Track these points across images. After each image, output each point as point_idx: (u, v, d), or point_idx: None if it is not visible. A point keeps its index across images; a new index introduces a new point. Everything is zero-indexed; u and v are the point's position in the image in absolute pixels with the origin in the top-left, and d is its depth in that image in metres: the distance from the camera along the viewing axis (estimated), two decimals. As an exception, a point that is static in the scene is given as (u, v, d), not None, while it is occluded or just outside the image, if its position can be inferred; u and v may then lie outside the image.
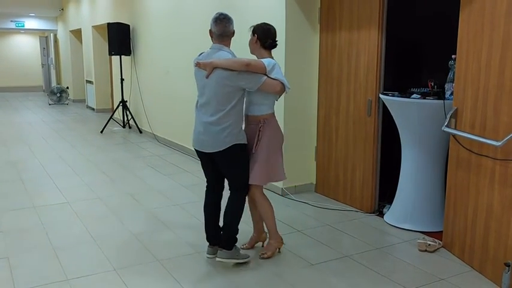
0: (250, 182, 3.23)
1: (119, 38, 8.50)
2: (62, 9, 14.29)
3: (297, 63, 4.67)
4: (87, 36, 11.82)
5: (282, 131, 3.39)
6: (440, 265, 3.28)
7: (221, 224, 3.30)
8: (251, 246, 3.52)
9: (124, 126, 9.14)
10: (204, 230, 3.37)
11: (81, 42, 12.85)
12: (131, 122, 8.98)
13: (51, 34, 15.98)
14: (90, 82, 12.14)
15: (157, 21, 7.61)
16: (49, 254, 3.42)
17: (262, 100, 3.17)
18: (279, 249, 3.47)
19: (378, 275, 3.14)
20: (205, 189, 3.39)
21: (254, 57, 3.19)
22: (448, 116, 3.34)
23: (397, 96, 3.77)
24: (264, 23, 3.23)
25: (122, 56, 8.77)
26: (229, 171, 3.19)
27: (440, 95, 3.59)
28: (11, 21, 15.51)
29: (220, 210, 3.36)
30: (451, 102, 3.42)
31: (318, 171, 4.91)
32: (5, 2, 13.18)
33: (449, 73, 3.58)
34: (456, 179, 3.39)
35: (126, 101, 8.92)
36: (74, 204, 4.54)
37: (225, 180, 3.31)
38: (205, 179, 3.37)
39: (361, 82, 4.22)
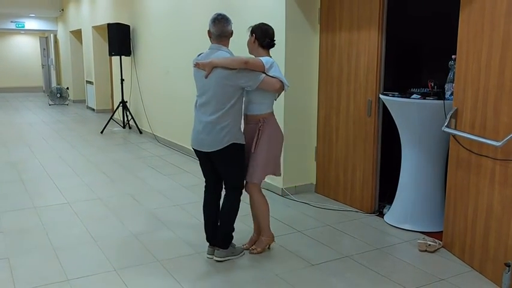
0: (249, 180, 3.26)
1: (119, 39, 8.50)
2: (62, 9, 14.29)
3: (297, 64, 4.67)
4: (87, 36, 11.83)
5: (282, 131, 3.41)
6: (440, 265, 3.28)
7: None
8: (251, 246, 3.52)
9: (124, 127, 9.14)
10: (204, 230, 3.37)
11: (81, 42, 12.86)
12: (131, 122, 8.98)
13: (51, 35, 15.98)
14: (90, 82, 12.14)
15: (157, 21, 7.61)
16: (49, 254, 3.42)
17: (261, 99, 3.18)
18: (269, 245, 3.50)
19: (378, 275, 3.14)
20: (204, 189, 3.40)
21: (252, 57, 3.20)
22: (448, 116, 3.34)
23: (397, 97, 3.78)
24: (262, 23, 3.26)
25: (122, 57, 8.77)
26: (227, 170, 3.20)
27: (440, 95, 3.59)
28: (11, 21, 15.51)
29: (219, 210, 3.37)
30: (451, 103, 3.42)
31: (318, 171, 4.91)
32: (5, 2, 13.19)
33: (449, 73, 3.58)
34: (456, 179, 3.39)
35: (126, 102, 8.92)
36: (74, 205, 4.54)
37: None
38: (204, 179, 3.38)
39: (361, 82, 4.22)
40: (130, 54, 8.75)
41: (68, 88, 13.73)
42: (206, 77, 3.04)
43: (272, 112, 3.27)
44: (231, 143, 3.08)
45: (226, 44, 3.16)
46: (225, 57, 3.05)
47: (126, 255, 3.41)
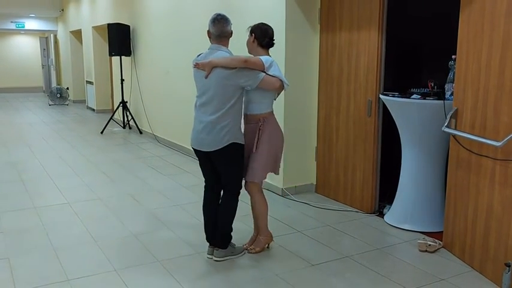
0: (249, 180, 3.26)
1: (119, 39, 8.50)
2: (62, 10, 14.30)
3: (297, 64, 4.67)
4: (87, 36, 11.83)
5: (282, 131, 3.41)
6: (440, 265, 3.28)
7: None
8: (250, 246, 3.52)
9: (124, 127, 9.14)
10: (203, 230, 3.38)
11: (81, 42, 12.86)
12: (131, 122, 8.98)
13: (51, 35, 15.98)
14: (90, 83, 12.14)
15: (157, 21, 7.61)
16: (49, 254, 3.42)
17: (260, 99, 3.19)
18: (269, 245, 3.50)
19: (378, 275, 3.14)
20: (203, 189, 3.40)
21: (252, 56, 3.21)
22: (448, 117, 3.34)
23: (397, 97, 3.78)
24: (262, 23, 3.28)
25: (122, 57, 8.77)
26: (226, 170, 3.21)
27: (440, 95, 3.59)
28: (11, 22, 15.51)
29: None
30: (451, 103, 3.42)
31: (318, 171, 4.91)
32: (5, 2, 13.19)
33: (449, 73, 3.58)
34: (456, 179, 3.39)
35: (126, 102, 8.92)
36: (74, 205, 4.54)
37: None
38: (204, 179, 3.38)
39: (361, 82, 4.22)
40: (131, 54, 8.75)
41: (68, 88, 13.73)
42: (206, 77, 3.05)
43: (272, 111, 3.28)
44: (230, 142, 3.08)
45: (226, 44, 3.17)
46: (224, 57, 3.05)
47: (126, 255, 3.41)
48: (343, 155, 4.53)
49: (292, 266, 3.27)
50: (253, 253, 3.42)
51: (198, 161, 3.35)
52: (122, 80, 8.90)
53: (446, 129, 3.31)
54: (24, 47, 19.00)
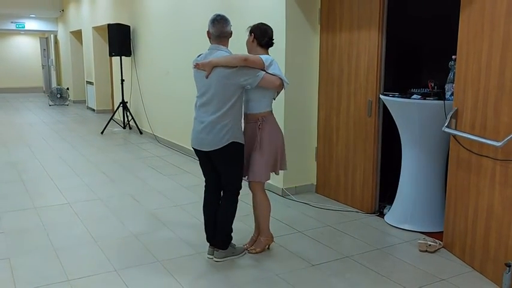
0: (252, 179, 3.26)
1: (119, 39, 8.51)
2: (62, 10, 14.30)
3: (297, 64, 4.67)
4: (88, 37, 11.83)
5: (283, 131, 3.42)
6: (440, 265, 3.28)
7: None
8: (251, 246, 3.52)
9: (124, 127, 9.14)
10: (204, 230, 3.38)
11: (81, 43, 12.86)
12: (131, 122, 8.98)
13: (52, 35, 15.99)
14: (91, 83, 12.15)
15: (157, 22, 7.62)
16: (50, 254, 3.42)
17: (260, 98, 3.20)
18: (269, 246, 3.50)
19: (379, 275, 3.14)
20: (204, 189, 3.40)
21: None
22: (449, 117, 3.34)
23: (398, 97, 3.78)
24: (261, 23, 3.29)
25: (122, 57, 8.78)
26: (226, 169, 3.21)
27: (440, 95, 3.59)
28: (12, 22, 15.51)
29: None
30: (451, 103, 3.42)
31: (318, 171, 4.91)
32: (5, 3, 13.20)
33: (450, 74, 3.58)
34: (456, 179, 3.39)
35: (127, 102, 8.93)
36: (75, 205, 4.54)
37: None
38: (204, 179, 3.38)
39: (361, 83, 4.22)
40: (131, 54, 8.76)
41: (68, 88, 13.74)
42: (207, 77, 3.05)
43: (271, 111, 3.29)
44: (231, 141, 3.08)
45: (226, 45, 3.17)
46: (224, 56, 3.06)
47: (127, 256, 3.41)
48: (344, 155, 4.53)
49: (293, 266, 3.27)
50: (254, 253, 3.42)
51: (198, 161, 3.36)
52: (122, 80, 8.90)
53: (447, 130, 3.31)
54: (25, 48, 19.01)
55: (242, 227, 3.81)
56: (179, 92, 6.95)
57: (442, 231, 3.62)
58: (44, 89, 17.26)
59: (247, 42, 3.28)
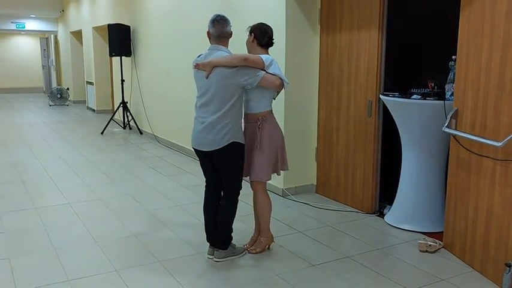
0: (254, 179, 3.27)
1: (120, 39, 8.51)
2: (63, 10, 14.30)
3: (298, 64, 4.67)
4: (88, 37, 11.84)
5: (283, 131, 3.43)
6: (441, 265, 3.28)
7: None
8: (251, 246, 3.52)
9: (124, 127, 9.14)
10: (204, 230, 3.38)
11: (81, 43, 12.86)
12: (131, 123, 8.98)
13: (52, 35, 15.99)
14: (91, 83, 12.15)
15: (157, 22, 7.62)
16: (50, 254, 3.42)
17: (260, 97, 3.20)
18: (269, 246, 3.50)
19: (379, 275, 3.14)
20: (204, 189, 3.40)
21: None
22: (449, 117, 3.34)
23: (398, 97, 3.78)
24: (261, 23, 3.29)
25: (122, 57, 8.78)
26: (226, 169, 3.21)
27: (440, 95, 3.59)
28: (12, 22, 15.51)
29: (220, 210, 3.37)
30: (452, 103, 3.43)
31: (318, 172, 4.91)
32: (6, 3, 13.20)
33: (450, 74, 3.59)
34: (456, 179, 3.39)
35: (127, 102, 8.93)
36: (75, 205, 4.54)
37: None
38: (205, 179, 3.38)
39: (361, 83, 4.22)
40: (131, 54, 8.76)
41: (68, 89, 13.74)
42: (207, 77, 3.05)
43: (271, 111, 3.29)
44: (231, 141, 3.09)
45: (226, 45, 3.17)
46: (224, 56, 3.06)
47: (127, 256, 3.41)
48: (344, 156, 4.53)
49: (293, 266, 3.27)
50: (254, 253, 3.42)
51: (198, 161, 3.36)
52: (122, 81, 8.90)
53: (447, 130, 3.31)
54: (25, 48, 19.00)
55: (242, 227, 3.81)
56: (179, 92, 6.95)
57: (442, 232, 3.62)
58: (44, 89, 17.26)
59: (247, 42, 3.29)
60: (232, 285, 3.00)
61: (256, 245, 3.45)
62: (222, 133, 3.06)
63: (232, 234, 3.36)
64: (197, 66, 3.10)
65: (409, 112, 3.72)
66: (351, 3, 4.24)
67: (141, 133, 8.66)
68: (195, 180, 5.44)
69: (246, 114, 3.28)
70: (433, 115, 3.60)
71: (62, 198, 4.78)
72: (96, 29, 11.22)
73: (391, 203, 4.18)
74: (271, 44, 3.30)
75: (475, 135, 3.09)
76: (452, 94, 3.50)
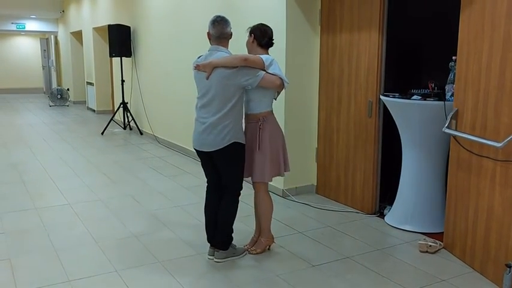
0: (256, 180, 3.27)
1: (120, 40, 8.51)
2: (63, 11, 14.32)
3: (298, 65, 4.67)
4: (88, 38, 11.84)
5: (283, 131, 3.43)
6: (441, 266, 3.28)
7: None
8: (251, 247, 3.52)
9: (125, 128, 9.15)
10: (204, 230, 3.38)
11: (81, 44, 12.87)
12: (132, 123, 8.99)
13: (52, 36, 16.00)
14: (91, 84, 12.15)
15: (157, 22, 7.62)
16: (50, 255, 3.43)
17: (260, 98, 3.21)
18: (269, 246, 3.50)
19: (379, 276, 3.14)
20: (205, 189, 3.41)
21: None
22: (449, 117, 3.34)
23: (398, 98, 3.78)
24: (261, 24, 3.30)
25: (123, 58, 8.78)
26: (227, 169, 3.21)
27: (440, 96, 3.60)
28: (12, 23, 15.52)
29: (221, 210, 3.37)
30: (452, 104, 3.43)
31: (318, 172, 4.91)
32: (6, 3, 13.21)
33: (450, 74, 3.59)
34: (457, 180, 3.39)
35: (127, 103, 8.93)
36: (75, 206, 4.54)
37: None
38: (206, 179, 3.39)
39: (361, 83, 4.22)
40: (131, 55, 8.76)
41: (68, 89, 13.74)
42: (207, 78, 3.06)
43: (271, 111, 3.29)
44: (232, 142, 3.09)
45: (226, 46, 3.18)
46: (224, 56, 3.07)
47: (127, 256, 3.41)
48: (344, 156, 4.53)
49: (293, 266, 3.27)
50: (254, 254, 3.42)
51: (198, 162, 3.36)
52: (123, 81, 8.91)
53: (447, 130, 3.31)
54: (25, 48, 19.02)
55: (243, 227, 3.82)
56: (179, 92, 6.96)
57: (443, 232, 3.62)
58: (44, 90, 17.26)
59: (247, 43, 3.29)
60: (232, 285, 3.00)
61: (257, 245, 3.45)
62: (223, 134, 3.07)
63: (233, 234, 3.36)
64: (197, 67, 3.11)
65: (410, 113, 3.73)
66: (351, 4, 4.24)
67: (141, 133, 8.66)
68: (196, 180, 5.44)
69: (246, 115, 3.28)
70: (433, 116, 3.60)
71: (62, 198, 4.78)
72: (97, 29, 11.23)
73: (391, 203, 4.18)
74: (271, 45, 3.31)
75: (475, 136, 3.09)
76: (452, 95, 3.50)
